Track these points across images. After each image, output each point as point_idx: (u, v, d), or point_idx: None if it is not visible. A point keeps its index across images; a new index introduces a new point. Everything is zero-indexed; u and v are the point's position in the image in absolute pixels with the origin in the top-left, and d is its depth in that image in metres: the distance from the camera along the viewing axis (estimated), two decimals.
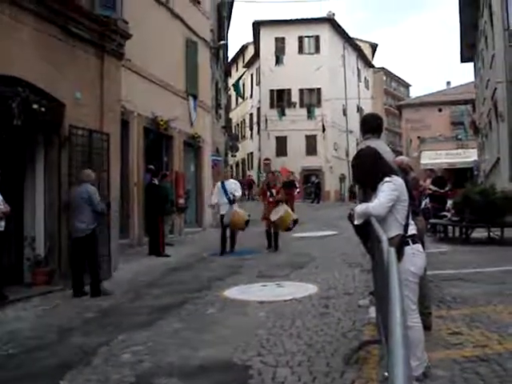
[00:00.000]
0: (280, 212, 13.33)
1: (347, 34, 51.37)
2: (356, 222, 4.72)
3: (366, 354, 5.20)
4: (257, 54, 49.18)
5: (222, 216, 13.80)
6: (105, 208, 9.83)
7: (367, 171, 4.77)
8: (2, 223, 8.47)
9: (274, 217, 13.24)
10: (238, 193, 14.23)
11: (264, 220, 14.04)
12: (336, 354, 5.33)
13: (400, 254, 4.35)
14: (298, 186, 26.34)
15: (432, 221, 15.06)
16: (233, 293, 8.78)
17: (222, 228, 13.87)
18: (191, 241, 17.26)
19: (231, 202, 13.70)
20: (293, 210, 20.44)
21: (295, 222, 13.69)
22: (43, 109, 9.19)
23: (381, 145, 5.54)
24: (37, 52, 9.40)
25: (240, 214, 13.68)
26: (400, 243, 4.46)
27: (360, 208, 4.67)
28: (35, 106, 9.01)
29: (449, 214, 15.03)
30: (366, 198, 4.90)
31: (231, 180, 14.88)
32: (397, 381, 1.46)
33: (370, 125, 6.00)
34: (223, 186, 14.01)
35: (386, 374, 7.17)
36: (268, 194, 14.15)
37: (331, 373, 4.82)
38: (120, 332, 6.60)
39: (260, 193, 15.76)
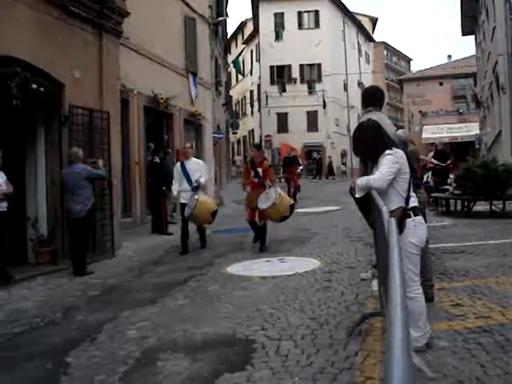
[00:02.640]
0: (271, 198, 10.29)
1: (347, 9, 51.01)
2: (357, 195, 4.73)
3: (368, 326, 5.24)
4: (256, 30, 48.86)
5: (183, 206, 10.92)
6: (104, 171, 9.89)
7: (368, 144, 4.76)
8: (4, 204, 8.47)
9: (263, 204, 10.32)
10: (204, 176, 11.18)
11: (248, 209, 11.12)
12: (339, 327, 5.37)
13: (401, 227, 4.37)
14: (300, 162, 23.63)
15: (434, 194, 15.09)
16: (235, 269, 8.82)
17: (183, 222, 11.00)
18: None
19: (194, 188, 10.82)
20: (296, 190, 20.41)
21: (292, 207, 10.75)
22: (42, 89, 9.15)
23: (382, 117, 5.52)
24: (35, 31, 9.34)
25: (205, 203, 10.71)
26: (401, 215, 4.47)
27: (361, 181, 4.67)
28: (34, 86, 8.96)
29: (451, 188, 15.04)
30: (367, 170, 4.89)
31: (194, 159, 11.36)
32: (395, 342, 1.48)
33: (372, 97, 5.96)
34: (183, 168, 11.04)
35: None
36: (252, 173, 11.02)
37: (334, 345, 4.86)
38: (124, 309, 6.65)
39: (243, 174, 12.19)
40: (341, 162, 47.61)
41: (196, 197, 10.50)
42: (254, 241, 11.09)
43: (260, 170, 10.86)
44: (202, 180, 10.95)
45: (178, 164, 11.31)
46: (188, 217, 10.65)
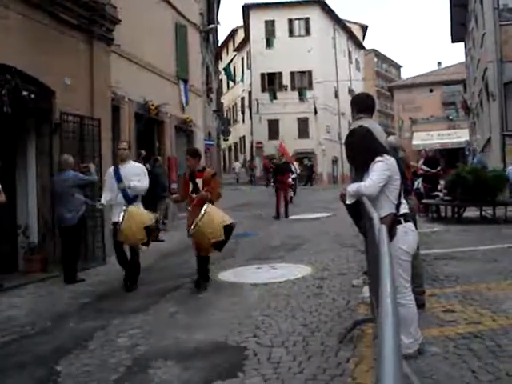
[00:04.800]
0: (198, 218, 7.65)
1: (337, 16, 51.19)
2: (348, 202, 4.74)
3: (360, 332, 5.25)
4: (247, 38, 48.97)
5: (116, 225, 8.29)
6: (95, 174, 9.86)
7: (359, 150, 4.77)
8: None
9: (192, 228, 7.82)
10: (142, 183, 8.54)
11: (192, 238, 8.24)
12: (331, 334, 5.37)
13: (392, 233, 4.38)
14: (293, 169, 21.29)
15: (424, 201, 15.14)
16: (227, 276, 8.81)
17: (116, 245, 8.47)
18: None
19: (130, 199, 8.41)
20: (286, 201, 18.00)
21: (228, 229, 7.86)
22: (33, 96, 9.14)
23: (373, 124, 5.53)
24: (25, 39, 9.33)
25: (137, 215, 8.17)
26: (392, 222, 4.48)
27: (352, 187, 4.68)
28: (25, 93, 8.96)
29: (441, 194, 15.09)
30: (358, 177, 4.90)
31: (132, 163, 8.88)
32: (386, 349, 1.48)
33: (363, 104, 5.96)
34: (117, 174, 8.58)
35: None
36: (191, 187, 8.38)
37: (326, 352, 4.86)
38: (115, 316, 6.62)
39: (181, 188, 9.25)
40: (331, 169, 47.72)
41: (124, 208, 8.16)
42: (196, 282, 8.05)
43: (200, 181, 8.30)
44: (134, 184, 8.41)
45: (111, 169, 8.88)
46: (116, 236, 8.26)
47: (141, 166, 9.27)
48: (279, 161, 19.90)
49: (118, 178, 8.53)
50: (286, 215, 17.52)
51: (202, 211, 7.64)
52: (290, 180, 19.15)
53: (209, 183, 8.28)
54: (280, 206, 17.46)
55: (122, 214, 8.03)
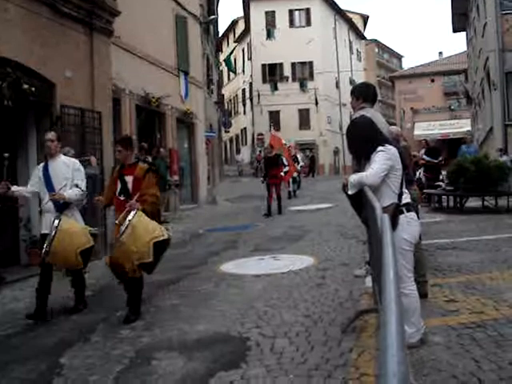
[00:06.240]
0: (123, 228, 6.07)
1: (338, 6, 50.95)
2: (350, 192, 4.72)
3: (362, 322, 5.25)
4: (247, 29, 48.79)
5: (44, 238, 6.67)
6: (97, 169, 9.84)
7: (361, 140, 4.76)
8: None
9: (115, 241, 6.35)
10: (74, 192, 6.74)
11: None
12: (333, 324, 5.37)
13: (394, 223, 4.37)
14: (286, 163, 18.43)
15: (426, 191, 15.12)
16: (229, 267, 8.81)
17: (43, 266, 6.66)
18: (187, 217, 17.25)
19: (60, 206, 6.72)
20: (279, 197, 16.26)
21: (162, 247, 6.33)
22: (34, 89, 9.13)
23: (375, 114, 5.51)
24: (25, 32, 9.31)
25: (69, 234, 6.50)
26: (394, 212, 4.47)
27: (354, 177, 4.67)
28: (25, 87, 8.95)
29: (443, 184, 15.07)
30: (360, 167, 4.89)
31: (62, 158, 7.06)
32: (389, 338, 1.47)
33: (364, 94, 5.92)
34: (46, 175, 6.86)
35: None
36: (118, 187, 6.60)
37: (329, 342, 4.86)
38: (118, 309, 6.61)
39: (107, 188, 7.23)
40: (333, 160, 47.67)
41: (56, 222, 6.43)
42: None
43: (130, 178, 6.51)
44: (68, 193, 6.67)
45: (40, 166, 7.09)
46: (44, 255, 6.48)
47: (72, 161, 7.12)
48: (269, 153, 17.24)
49: (47, 181, 6.79)
50: (280, 211, 16.04)
51: (127, 221, 6.03)
52: (282, 174, 17.25)
53: (140, 183, 6.41)
54: (272, 202, 16.03)
55: (53, 225, 6.42)
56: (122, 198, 6.47)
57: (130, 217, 6.06)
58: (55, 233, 6.34)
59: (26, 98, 9.06)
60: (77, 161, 7.24)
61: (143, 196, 6.30)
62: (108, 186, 7.11)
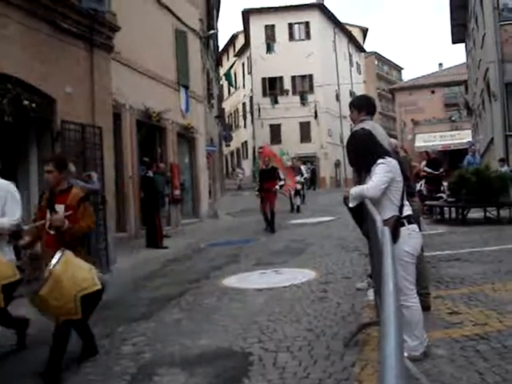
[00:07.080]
0: (45, 275, 4.86)
1: (337, 20, 51.27)
2: (351, 205, 4.71)
3: (365, 336, 5.22)
4: (247, 43, 49.07)
5: None
6: (98, 184, 9.83)
7: (361, 153, 4.76)
8: None
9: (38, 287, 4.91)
10: (14, 212, 5.73)
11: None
12: (336, 338, 5.34)
13: (395, 236, 4.36)
14: (282, 176, 17.17)
15: (428, 202, 15.11)
16: (231, 281, 8.77)
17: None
18: (188, 232, 17.24)
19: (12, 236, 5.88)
20: (272, 212, 15.25)
21: (93, 298, 5.24)
22: (34, 105, 9.15)
23: (375, 126, 5.51)
24: (25, 48, 9.34)
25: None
26: (395, 224, 4.46)
27: (355, 190, 4.67)
28: (26, 103, 8.97)
29: (444, 196, 15.06)
30: (361, 180, 4.88)
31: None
32: (388, 351, 1.46)
33: (364, 106, 5.93)
34: None
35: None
36: (48, 216, 5.49)
37: (331, 356, 4.83)
38: (120, 324, 6.60)
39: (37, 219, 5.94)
40: (334, 173, 47.69)
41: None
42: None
43: (60, 208, 5.46)
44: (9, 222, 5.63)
45: None
46: None
47: (6, 184, 6.00)
48: (266, 166, 16.51)
49: None
50: (272, 229, 15.01)
51: (49, 267, 4.84)
52: (277, 187, 16.26)
53: (75, 212, 5.40)
54: (267, 212, 15.30)
55: None
56: (52, 232, 5.42)
57: (53, 261, 4.87)
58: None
59: (26, 113, 9.08)
60: (8, 184, 6.03)
61: (72, 232, 5.35)
62: (37, 218, 5.88)
